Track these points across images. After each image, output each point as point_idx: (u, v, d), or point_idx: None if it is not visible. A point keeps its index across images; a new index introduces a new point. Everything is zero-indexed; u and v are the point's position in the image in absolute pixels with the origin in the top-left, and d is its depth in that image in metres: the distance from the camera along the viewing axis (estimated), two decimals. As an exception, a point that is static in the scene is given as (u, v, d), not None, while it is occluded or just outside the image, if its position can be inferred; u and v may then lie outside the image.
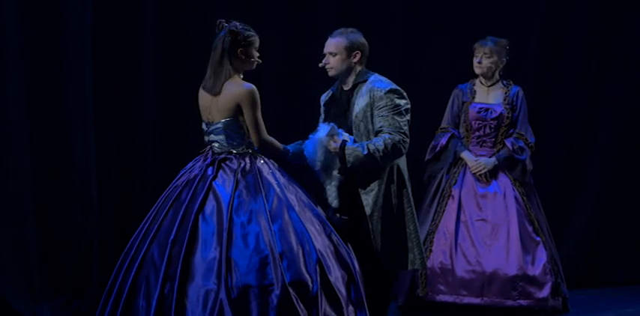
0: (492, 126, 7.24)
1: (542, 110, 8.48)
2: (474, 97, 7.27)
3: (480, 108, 7.24)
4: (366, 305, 5.50)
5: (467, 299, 7.01)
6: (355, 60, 5.97)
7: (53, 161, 7.08)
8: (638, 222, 8.80)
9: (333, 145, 5.81)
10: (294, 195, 5.55)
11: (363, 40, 6.01)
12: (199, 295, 5.19)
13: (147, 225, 5.50)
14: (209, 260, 5.25)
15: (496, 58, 7.21)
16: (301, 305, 5.21)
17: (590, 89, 8.69)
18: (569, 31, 8.63)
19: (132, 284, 5.33)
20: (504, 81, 7.33)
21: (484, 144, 7.26)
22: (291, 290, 5.20)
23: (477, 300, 7.00)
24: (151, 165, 7.43)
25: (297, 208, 5.48)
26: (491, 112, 7.24)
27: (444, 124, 7.33)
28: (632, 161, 8.79)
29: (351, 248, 5.59)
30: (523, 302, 7.04)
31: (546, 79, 8.58)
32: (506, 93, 7.30)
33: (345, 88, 6.06)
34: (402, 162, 5.99)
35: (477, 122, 7.23)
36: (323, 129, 5.85)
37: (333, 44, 5.98)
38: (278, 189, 5.51)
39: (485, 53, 7.21)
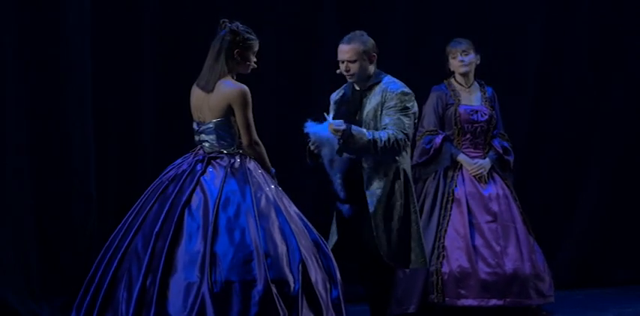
0: (484, 128, 7.23)
1: (543, 108, 8.50)
2: (459, 99, 7.24)
3: (471, 111, 7.20)
4: (344, 313, 5.47)
5: (492, 302, 6.95)
6: (373, 62, 6.02)
7: (52, 161, 7.08)
8: (637, 222, 8.80)
9: (340, 130, 5.78)
10: (281, 199, 5.52)
11: (373, 41, 6.04)
12: (181, 288, 5.17)
13: (131, 217, 5.49)
14: (193, 253, 5.23)
15: (473, 54, 7.22)
16: (282, 304, 5.19)
17: (590, 98, 8.69)
18: (569, 40, 8.64)
19: (113, 276, 5.31)
20: (478, 81, 7.33)
21: (477, 147, 7.25)
22: (273, 288, 5.19)
23: (500, 302, 6.95)
24: (150, 166, 7.42)
25: (283, 210, 5.46)
26: (481, 115, 7.21)
27: (429, 126, 7.18)
28: (632, 161, 8.79)
29: (333, 259, 5.56)
30: (538, 300, 7.06)
31: (545, 88, 8.59)
32: (484, 93, 7.30)
33: (358, 88, 6.08)
34: (407, 164, 6.02)
35: (468, 125, 7.20)
36: (324, 128, 5.84)
37: (351, 51, 5.97)
38: (267, 189, 5.49)
39: (463, 51, 7.20)
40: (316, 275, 5.37)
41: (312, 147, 5.90)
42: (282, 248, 5.32)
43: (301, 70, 7.86)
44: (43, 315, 6.94)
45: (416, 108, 5.99)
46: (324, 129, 5.80)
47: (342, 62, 6.00)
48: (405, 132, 5.87)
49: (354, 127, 5.81)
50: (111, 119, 7.35)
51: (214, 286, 5.16)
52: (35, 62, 7.04)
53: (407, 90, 5.97)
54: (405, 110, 5.91)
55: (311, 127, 5.82)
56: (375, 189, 5.91)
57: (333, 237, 6.12)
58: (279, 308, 5.17)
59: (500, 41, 8.40)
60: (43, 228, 7.04)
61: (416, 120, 6.06)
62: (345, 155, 5.91)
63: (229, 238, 5.28)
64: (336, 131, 5.77)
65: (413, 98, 5.98)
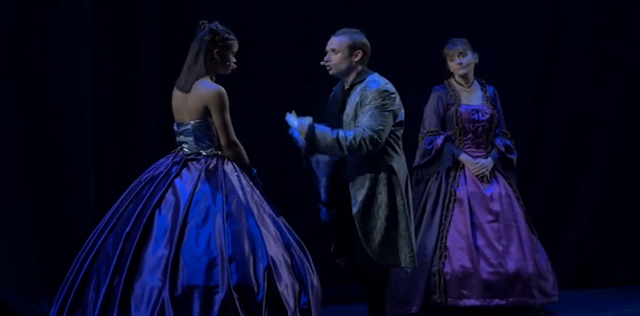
0: (485, 127, 7.23)
1: (542, 108, 8.50)
2: (460, 99, 7.24)
3: (472, 110, 7.21)
4: None
5: (495, 302, 6.96)
6: (356, 59, 5.97)
7: (51, 161, 7.08)
8: (637, 222, 8.80)
9: (303, 131, 5.81)
10: (256, 203, 5.50)
11: (365, 40, 6.02)
12: (145, 291, 5.17)
13: (107, 217, 5.51)
14: (158, 257, 5.22)
15: (470, 54, 7.22)
16: (243, 311, 5.16)
17: (590, 98, 8.69)
18: (569, 40, 8.64)
19: (84, 275, 5.34)
20: (479, 81, 7.33)
21: (479, 146, 7.25)
22: (235, 294, 5.15)
23: (503, 302, 6.97)
24: (148, 165, 7.40)
25: (255, 214, 5.43)
26: (482, 114, 7.22)
27: (430, 127, 7.20)
28: (632, 161, 8.79)
29: (311, 264, 5.54)
30: (542, 299, 7.09)
31: (545, 88, 8.59)
32: (485, 92, 7.31)
33: (345, 88, 6.06)
34: (397, 162, 5.96)
35: (470, 124, 7.20)
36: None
37: (336, 42, 5.99)
38: (240, 192, 5.46)
39: (460, 53, 7.20)
40: (285, 280, 5.32)
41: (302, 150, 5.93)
42: (248, 253, 5.28)
43: (300, 70, 7.86)
44: (43, 315, 6.94)
45: (395, 107, 5.89)
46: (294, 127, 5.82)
47: (326, 52, 6.01)
48: (376, 130, 5.79)
49: (317, 127, 5.79)
50: (110, 119, 7.35)
51: (176, 290, 5.15)
52: (35, 62, 7.03)
53: (385, 88, 5.89)
54: (380, 107, 5.83)
55: (295, 131, 5.84)
56: (359, 188, 5.89)
57: (335, 237, 6.13)
58: (240, 314, 5.14)
59: (500, 41, 8.39)
60: (43, 228, 7.04)
61: (398, 119, 5.93)
62: (331, 157, 5.92)
63: (195, 243, 5.26)
64: (300, 132, 5.78)
65: (392, 96, 5.89)
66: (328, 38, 6.11)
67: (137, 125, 7.44)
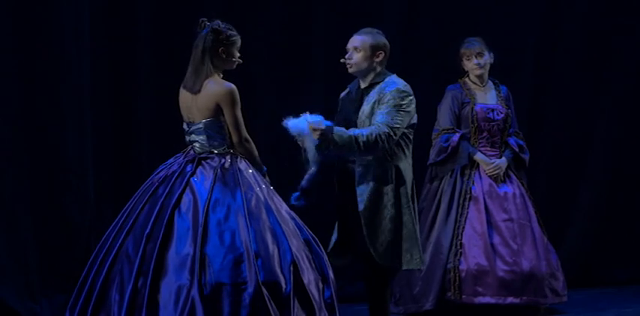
0: (500, 126, 7.24)
1: (541, 108, 8.50)
2: (475, 98, 7.25)
3: (488, 109, 7.22)
4: (337, 312, 5.48)
5: (509, 300, 6.97)
6: (377, 60, 5.99)
7: (49, 160, 7.09)
8: (637, 222, 8.80)
9: (318, 129, 5.72)
10: (272, 199, 5.52)
11: (386, 41, 6.04)
12: (172, 291, 5.16)
13: (122, 219, 5.49)
14: (183, 256, 5.22)
15: (487, 54, 7.24)
16: (273, 305, 5.18)
17: (589, 98, 8.69)
18: (567, 39, 8.64)
19: (105, 277, 5.32)
20: (492, 80, 7.34)
21: (494, 145, 7.25)
22: (264, 290, 5.17)
23: (517, 300, 6.99)
24: (147, 166, 7.40)
25: (274, 210, 5.45)
26: (497, 113, 7.23)
27: (446, 125, 7.21)
28: (632, 161, 8.79)
29: (326, 257, 5.57)
30: (553, 299, 7.11)
31: (544, 84, 8.59)
32: (499, 92, 7.31)
33: (362, 86, 6.07)
34: (403, 162, 5.97)
35: (485, 123, 7.21)
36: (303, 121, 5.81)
37: (359, 40, 5.99)
38: (257, 189, 5.48)
39: (478, 53, 7.22)
40: (308, 275, 5.35)
41: (300, 143, 5.91)
42: (273, 249, 5.30)
43: (299, 70, 7.86)
44: (43, 315, 6.94)
45: (412, 108, 5.92)
46: (302, 122, 5.76)
47: (348, 50, 6.01)
48: (392, 126, 5.80)
49: (336, 128, 5.73)
50: (108, 119, 7.35)
51: (204, 289, 5.15)
52: (34, 63, 7.04)
53: (403, 88, 5.93)
54: (397, 106, 5.85)
55: (290, 121, 5.80)
56: (365, 187, 5.89)
57: (334, 236, 6.12)
58: (270, 309, 5.16)
59: (497, 41, 8.39)
60: (42, 228, 7.05)
61: (412, 121, 5.97)
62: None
63: (219, 240, 5.27)
64: (314, 130, 5.71)
65: (409, 97, 5.92)
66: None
67: (136, 125, 7.44)
